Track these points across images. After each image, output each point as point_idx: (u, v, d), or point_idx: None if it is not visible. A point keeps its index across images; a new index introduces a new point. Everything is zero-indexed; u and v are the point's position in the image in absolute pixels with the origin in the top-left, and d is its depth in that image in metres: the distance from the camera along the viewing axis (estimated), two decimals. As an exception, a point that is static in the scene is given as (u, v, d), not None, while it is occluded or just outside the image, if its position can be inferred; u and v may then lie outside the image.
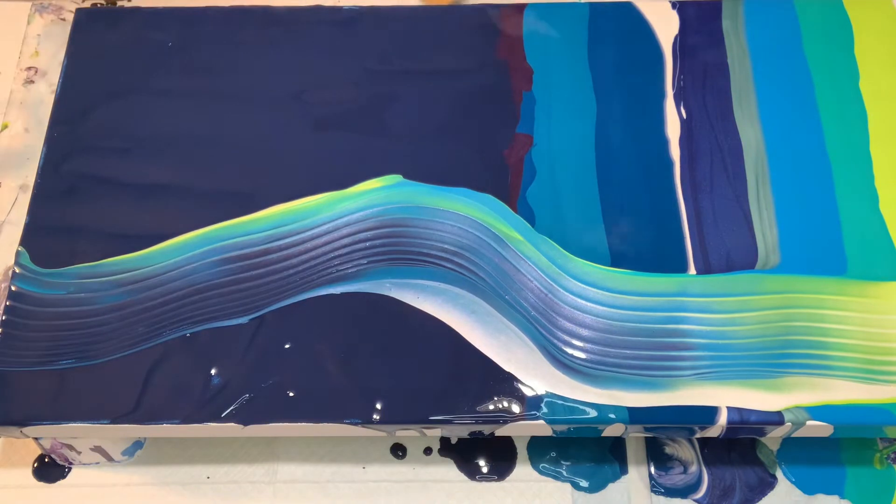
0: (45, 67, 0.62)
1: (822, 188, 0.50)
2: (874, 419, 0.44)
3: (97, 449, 0.51)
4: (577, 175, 0.51)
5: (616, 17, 0.56)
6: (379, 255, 0.48)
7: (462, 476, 0.51)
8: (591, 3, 0.57)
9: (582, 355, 0.45)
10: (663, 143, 0.52)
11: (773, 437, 0.49)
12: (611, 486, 0.50)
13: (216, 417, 0.44)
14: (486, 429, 0.45)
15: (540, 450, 0.51)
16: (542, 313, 0.46)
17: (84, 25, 0.56)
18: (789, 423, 0.44)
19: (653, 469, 0.50)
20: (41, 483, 0.51)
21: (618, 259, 0.48)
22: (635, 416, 0.44)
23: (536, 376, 0.45)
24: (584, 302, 0.47)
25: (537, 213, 0.49)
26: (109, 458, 0.51)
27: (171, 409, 0.45)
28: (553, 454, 0.51)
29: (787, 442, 0.51)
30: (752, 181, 0.50)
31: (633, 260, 0.48)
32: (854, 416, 0.44)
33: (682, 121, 0.52)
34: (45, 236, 0.49)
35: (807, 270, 0.48)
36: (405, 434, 0.46)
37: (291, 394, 0.45)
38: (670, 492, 0.50)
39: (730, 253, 0.48)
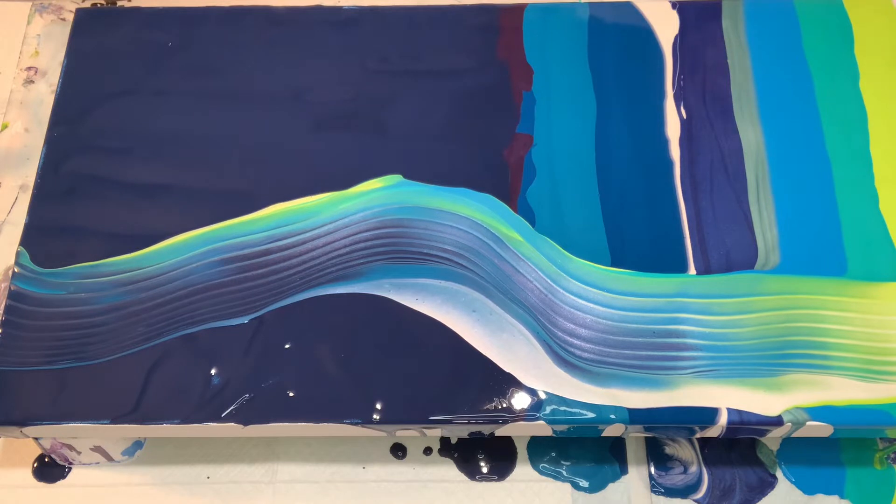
0: (45, 67, 0.62)
1: (822, 188, 0.50)
2: (874, 420, 0.44)
3: (97, 449, 0.51)
4: (577, 175, 0.51)
5: (616, 17, 0.56)
6: (379, 255, 0.48)
7: (462, 476, 0.51)
8: (591, 3, 0.57)
9: (582, 355, 0.45)
10: (663, 143, 0.52)
11: (773, 437, 0.50)
12: (611, 486, 0.50)
13: (216, 417, 0.44)
14: (486, 429, 0.45)
15: (540, 450, 0.51)
16: (542, 314, 0.46)
17: (84, 25, 0.56)
18: (789, 424, 0.44)
19: (653, 469, 0.51)
20: (41, 483, 0.51)
21: (618, 259, 0.48)
22: (635, 416, 0.44)
23: (537, 376, 0.45)
24: (584, 302, 0.47)
25: (537, 213, 0.49)
26: (109, 458, 0.51)
27: (171, 409, 0.45)
28: (553, 454, 0.51)
29: (787, 442, 0.51)
30: (752, 181, 0.50)
31: (633, 260, 0.48)
32: (854, 417, 0.44)
33: (682, 121, 0.52)
34: (45, 236, 0.49)
35: (807, 271, 0.48)
36: (405, 434, 0.46)
37: (291, 394, 0.45)
38: (670, 492, 0.50)
39: (730, 253, 0.48)
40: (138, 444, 0.52)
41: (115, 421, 0.44)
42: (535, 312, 0.46)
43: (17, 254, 0.49)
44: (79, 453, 0.51)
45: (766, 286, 0.47)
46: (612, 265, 0.48)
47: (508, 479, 0.51)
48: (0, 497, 0.50)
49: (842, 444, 0.51)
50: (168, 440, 0.52)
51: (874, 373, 0.45)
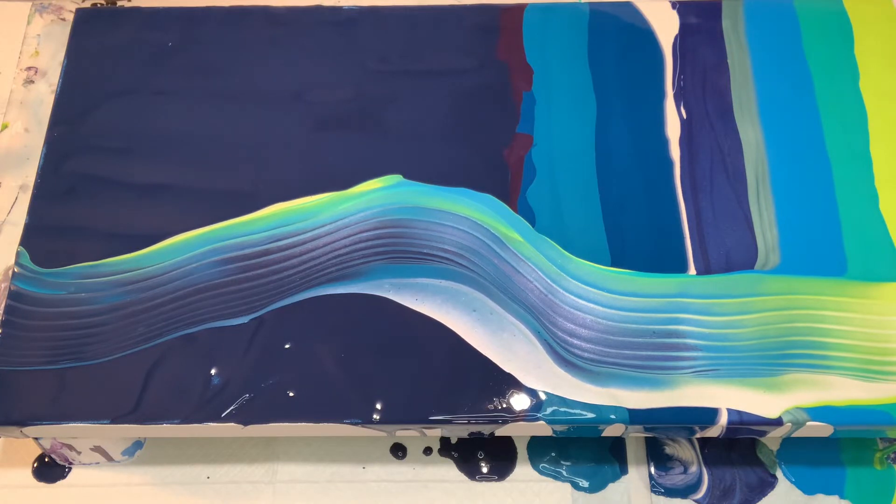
0: (45, 67, 0.62)
1: (822, 188, 0.50)
2: (874, 420, 0.44)
3: (97, 449, 0.51)
4: (577, 175, 0.51)
5: (616, 17, 0.56)
6: (379, 255, 0.48)
7: (462, 476, 0.51)
8: (591, 3, 0.57)
9: (582, 355, 0.45)
10: (663, 143, 0.52)
11: (773, 438, 0.49)
12: (611, 486, 0.50)
13: (216, 417, 0.44)
14: (486, 429, 0.45)
15: (540, 450, 0.51)
16: (542, 314, 0.46)
17: (84, 25, 0.56)
18: (789, 424, 0.44)
19: (653, 469, 0.51)
20: (41, 483, 0.51)
21: (618, 259, 0.48)
22: (635, 416, 0.44)
23: (537, 375, 0.45)
24: (584, 302, 0.47)
25: (537, 213, 0.49)
26: (109, 458, 0.51)
27: (171, 409, 0.45)
28: (553, 454, 0.51)
29: (787, 442, 0.51)
30: (752, 181, 0.50)
31: (633, 260, 0.48)
32: (854, 417, 0.44)
33: (682, 121, 0.52)
34: (45, 236, 0.49)
35: (807, 271, 0.48)
36: (405, 434, 0.46)
37: (291, 394, 0.45)
38: (670, 492, 0.50)
39: (730, 253, 0.48)
40: (138, 444, 0.52)
41: (115, 421, 0.44)
42: (536, 312, 0.46)
43: (17, 254, 0.49)
44: (79, 453, 0.51)
45: (766, 286, 0.47)
46: (612, 265, 0.48)
47: (508, 479, 0.51)
48: (0, 497, 0.50)
49: (842, 444, 0.51)
50: (168, 440, 0.52)
51: (874, 373, 0.45)
